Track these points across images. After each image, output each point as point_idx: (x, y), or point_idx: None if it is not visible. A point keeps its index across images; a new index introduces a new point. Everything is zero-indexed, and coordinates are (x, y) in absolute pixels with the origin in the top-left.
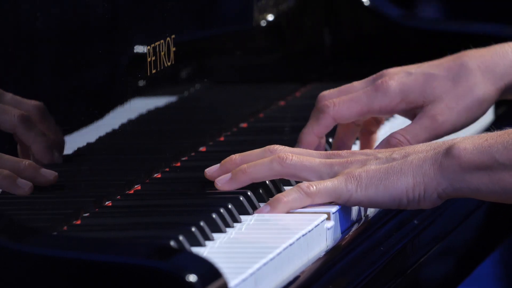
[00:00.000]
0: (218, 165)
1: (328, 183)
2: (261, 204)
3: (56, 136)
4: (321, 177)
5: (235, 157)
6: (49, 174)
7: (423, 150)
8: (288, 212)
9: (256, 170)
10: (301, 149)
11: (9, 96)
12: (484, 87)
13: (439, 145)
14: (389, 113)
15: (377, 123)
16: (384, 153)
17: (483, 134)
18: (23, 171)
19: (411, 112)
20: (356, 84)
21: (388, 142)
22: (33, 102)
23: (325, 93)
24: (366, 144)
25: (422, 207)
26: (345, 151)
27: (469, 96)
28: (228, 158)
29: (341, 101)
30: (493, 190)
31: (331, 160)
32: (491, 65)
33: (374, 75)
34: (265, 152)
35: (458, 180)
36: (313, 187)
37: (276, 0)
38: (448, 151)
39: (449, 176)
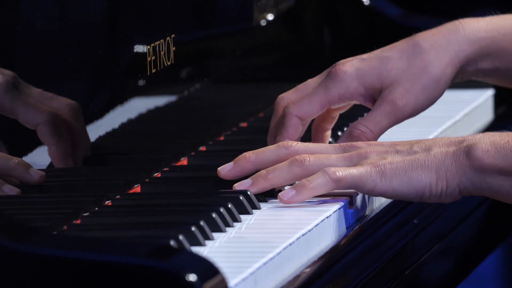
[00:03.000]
0: (231, 163)
1: (354, 170)
2: (261, 204)
3: (82, 138)
4: None
5: (249, 154)
6: (36, 174)
7: (444, 143)
8: (288, 212)
9: (277, 175)
10: (314, 144)
11: (36, 91)
12: (439, 64)
13: (459, 141)
14: (349, 99)
15: (331, 120)
16: (403, 145)
17: (503, 133)
18: (13, 169)
19: (369, 98)
20: (310, 80)
21: (350, 134)
22: (68, 101)
23: (283, 95)
24: (319, 141)
25: (443, 201)
26: (361, 142)
27: (425, 75)
28: (241, 156)
29: (299, 98)
30: None
31: (349, 153)
32: (444, 42)
33: (327, 69)
34: (279, 149)
35: (479, 181)
36: (339, 173)
37: (276, 0)
38: (469, 151)
39: (471, 176)
